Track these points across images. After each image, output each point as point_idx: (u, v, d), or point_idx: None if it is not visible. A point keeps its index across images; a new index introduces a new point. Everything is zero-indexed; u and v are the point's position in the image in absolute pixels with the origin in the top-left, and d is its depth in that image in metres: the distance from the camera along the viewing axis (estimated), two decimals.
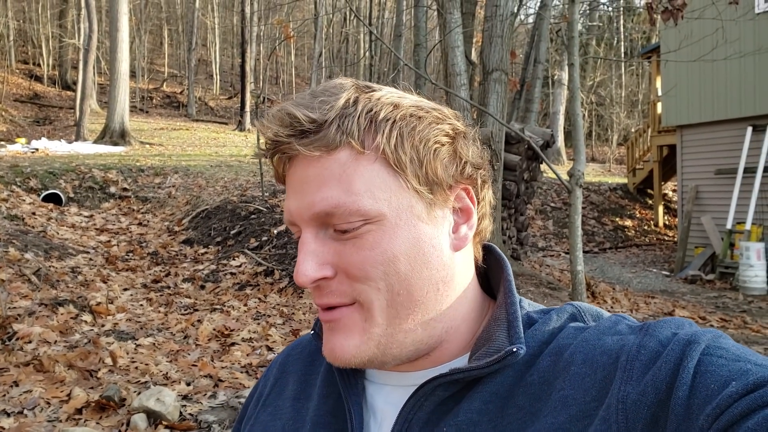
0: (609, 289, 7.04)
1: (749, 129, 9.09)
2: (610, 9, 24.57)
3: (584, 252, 11.03)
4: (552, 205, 13.04)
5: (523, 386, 0.53)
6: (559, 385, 0.51)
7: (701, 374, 0.45)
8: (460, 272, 0.60)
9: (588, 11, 21.10)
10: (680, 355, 0.47)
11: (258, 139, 9.39)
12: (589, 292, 5.68)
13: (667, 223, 13.93)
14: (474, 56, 6.64)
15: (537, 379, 0.53)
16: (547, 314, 0.60)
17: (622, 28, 25.23)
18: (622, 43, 26.22)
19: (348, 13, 26.38)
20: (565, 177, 4.10)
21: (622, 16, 25.64)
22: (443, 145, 0.57)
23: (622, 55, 24.61)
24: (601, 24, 25.38)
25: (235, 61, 32.54)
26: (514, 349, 0.54)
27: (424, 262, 0.56)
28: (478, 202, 0.61)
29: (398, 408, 0.58)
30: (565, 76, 17.98)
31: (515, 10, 5.16)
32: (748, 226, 8.68)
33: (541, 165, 7.58)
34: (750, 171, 9.00)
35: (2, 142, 14.54)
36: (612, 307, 5.88)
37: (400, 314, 0.56)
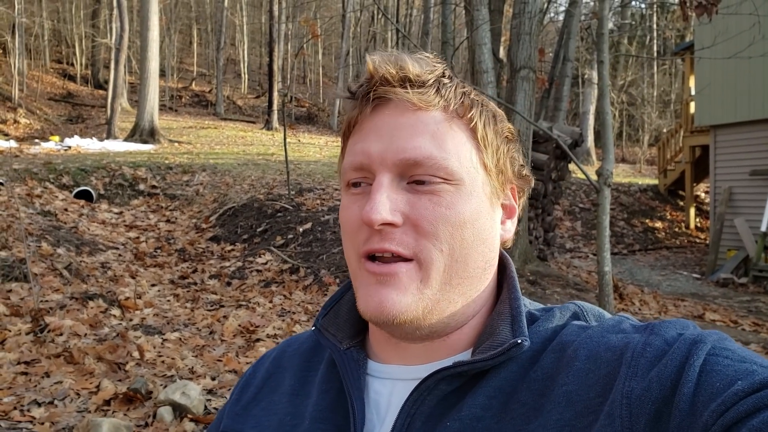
0: (637, 292, 6.90)
1: None
2: (643, 6, 24.08)
3: (613, 254, 10.84)
4: (581, 206, 12.85)
5: (526, 382, 0.54)
6: (562, 381, 0.52)
7: (707, 373, 0.45)
8: (496, 263, 0.62)
9: (620, 8, 20.73)
10: (686, 354, 0.47)
11: (285, 135, 9.45)
12: (616, 294, 5.58)
13: (698, 225, 13.59)
14: (502, 54, 6.56)
15: (540, 375, 0.53)
16: (550, 311, 0.61)
17: (655, 26, 24.70)
18: (655, 41, 25.67)
19: (375, 12, 26.38)
20: (593, 177, 4.02)
21: (655, 14, 25.11)
22: (510, 141, 0.63)
23: (655, 54, 24.10)
24: (633, 22, 24.90)
25: (263, 60, 32.84)
26: (519, 341, 0.54)
27: (483, 238, 0.58)
28: (519, 205, 0.65)
29: (399, 402, 0.57)
30: (595, 74, 17.68)
31: (544, 7, 5.08)
32: None
33: (569, 164, 7.46)
34: None
35: (36, 140, 14.94)
36: (640, 309, 5.76)
37: (452, 282, 0.57)
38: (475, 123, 0.58)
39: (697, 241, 12.75)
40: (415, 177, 0.56)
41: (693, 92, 11.32)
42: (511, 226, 0.64)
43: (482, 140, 0.59)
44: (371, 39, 29.95)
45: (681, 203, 14.14)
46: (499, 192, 0.61)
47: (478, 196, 0.58)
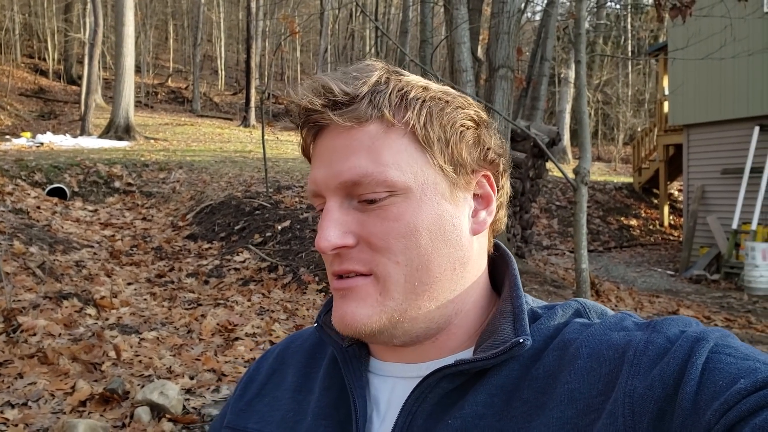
0: (613, 288, 7.01)
1: (756, 129, 9.04)
2: (618, 7, 24.45)
3: (589, 251, 10.98)
4: (557, 203, 13.01)
5: (528, 380, 0.53)
6: (564, 379, 0.51)
7: (709, 371, 0.45)
8: (476, 257, 0.61)
9: (596, 9, 21.01)
10: (689, 352, 0.47)
11: (263, 133, 9.39)
12: (593, 290, 5.67)
13: (672, 222, 13.88)
14: (480, 53, 6.61)
15: (542, 373, 0.53)
16: (552, 309, 0.60)
17: (629, 27, 25.11)
18: (630, 41, 26.10)
19: (354, 10, 26.30)
20: (570, 175, 4.08)
21: (629, 15, 25.52)
22: (468, 128, 0.59)
23: (629, 54, 24.49)
24: (608, 22, 25.26)
25: (240, 56, 32.51)
26: (521, 341, 0.54)
27: (445, 239, 0.57)
28: (498, 191, 0.63)
29: (400, 399, 0.57)
30: (571, 74, 17.90)
31: (522, 7, 5.12)
32: (753, 226, 8.64)
33: (546, 163, 7.54)
34: (756, 171, 8.95)
35: (7, 137, 14.58)
36: (616, 306, 5.86)
37: (416, 290, 0.56)
38: (413, 125, 0.56)
39: (671, 238, 13.02)
40: (362, 196, 0.56)
41: (667, 92, 11.54)
42: (487, 215, 0.61)
43: (424, 140, 0.57)
44: (349, 36, 29.87)
45: (655, 201, 14.42)
46: (463, 185, 0.59)
47: (431, 199, 0.56)
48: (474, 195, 0.61)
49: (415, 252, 0.55)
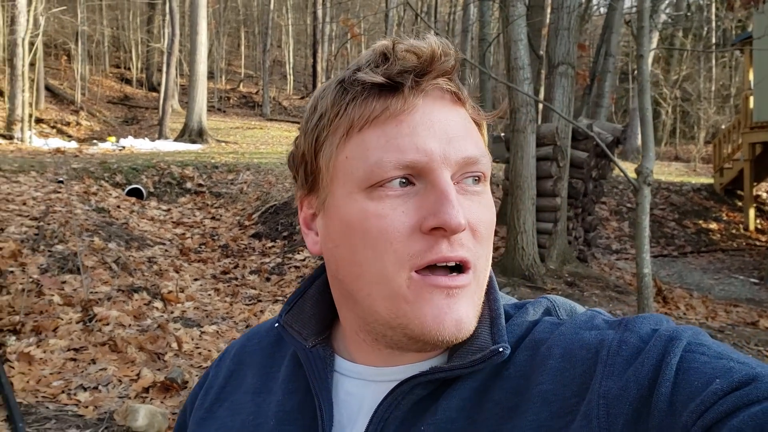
0: (685, 296, 6.64)
1: None
2: None
3: (662, 256, 10.45)
4: (628, 205, 12.46)
5: (499, 381, 0.52)
6: (536, 380, 0.50)
7: (684, 371, 0.44)
8: None
9: (674, 0, 19.94)
10: (662, 352, 0.46)
11: None
12: (659, 297, 5.39)
13: (759, 227, 12.93)
14: (542, 50, 6.47)
15: (513, 373, 0.52)
16: (522, 308, 0.59)
17: (713, 17, 23.66)
18: (714, 32, 24.59)
19: (420, 10, 26.30)
20: (632, 175, 3.91)
21: (714, 4, 24.04)
22: None
23: (713, 46, 23.05)
24: (689, 13, 23.92)
25: (307, 61, 33.30)
26: (500, 349, 0.52)
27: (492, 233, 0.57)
28: None
29: (372, 404, 0.55)
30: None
31: (582, 2, 4.97)
32: None
33: (610, 163, 7.26)
34: None
35: (95, 141, 15.68)
36: (685, 314, 5.55)
37: (482, 285, 0.55)
38: (480, 120, 0.57)
39: (757, 243, 12.13)
40: (469, 174, 0.53)
41: (752, 85, 10.80)
42: None
43: (484, 134, 0.57)
44: (415, 37, 29.84)
45: (739, 203, 13.49)
46: None
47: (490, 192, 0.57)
48: None
49: (492, 245, 0.55)
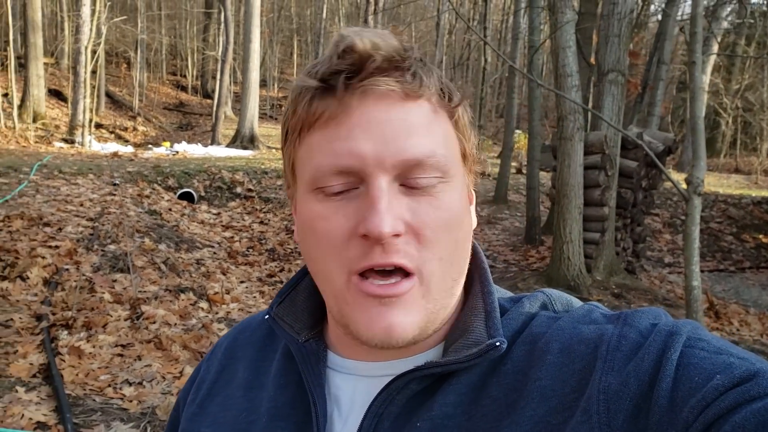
0: (740, 311, 6.32)
1: None
2: (763, 2, 22.07)
3: (719, 270, 9.99)
4: (682, 218, 11.97)
5: (496, 376, 0.51)
6: (534, 375, 0.50)
7: (684, 366, 0.44)
8: None
9: (737, 5, 19.12)
10: (662, 347, 0.46)
11: None
12: (711, 312, 5.15)
13: None
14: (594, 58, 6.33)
15: (511, 369, 0.51)
16: (519, 302, 0.57)
17: None
18: None
19: (470, 19, 26.22)
20: (682, 185, 3.77)
21: None
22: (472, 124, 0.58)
23: None
24: (752, 20, 22.88)
25: None
26: (497, 344, 0.51)
27: (468, 233, 0.55)
28: None
29: (365, 400, 0.54)
30: (705, 78, 16.45)
31: (635, 8, 4.83)
32: None
33: (663, 174, 7.01)
34: None
35: (150, 146, 16.32)
36: (738, 330, 5.28)
37: (447, 287, 0.53)
38: (457, 114, 0.54)
39: None
40: (414, 180, 0.50)
41: None
42: (473, 213, 0.59)
43: (463, 129, 0.54)
44: (466, 46, 29.80)
45: None
46: (470, 180, 0.58)
47: (462, 191, 0.54)
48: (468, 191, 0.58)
49: (453, 246, 0.52)
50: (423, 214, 0.50)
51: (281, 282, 6.38)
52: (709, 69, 15.64)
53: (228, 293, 5.49)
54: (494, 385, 0.51)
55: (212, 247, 7.52)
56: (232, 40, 17.35)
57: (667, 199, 12.37)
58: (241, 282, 6.16)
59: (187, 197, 9.71)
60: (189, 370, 3.57)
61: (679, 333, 0.46)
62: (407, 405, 0.53)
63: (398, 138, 0.49)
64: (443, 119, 0.53)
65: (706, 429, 0.40)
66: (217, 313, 4.81)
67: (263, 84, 23.10)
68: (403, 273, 0.50)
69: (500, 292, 0.60)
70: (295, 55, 34.90)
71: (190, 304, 4.89)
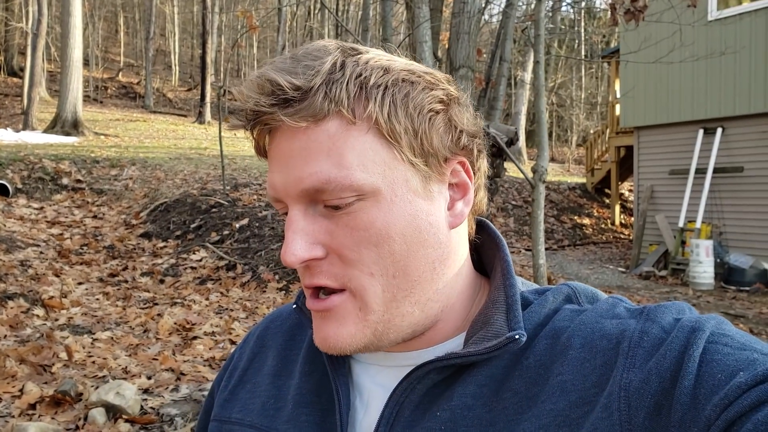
0: None
1: (700, 131, 9.45)
2: (573, 10, 25.14)
3: (545, 249, 11.26)
4: (513, 203, 13.26)
5: (518, 370, 0.52)
6: (557, 370, 0.50)
7: (707, 363, 0.44)
8: (456, 250, 0.57)
9: (551, 13, 21.54)
10: (685, 343, 0.46)
11: (220, 130, 9.21)
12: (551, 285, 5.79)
13: (623, 221, 14.35)
14: (440, 53, 6.67)
15: (533, 363, 0.51)
16: (543, 295, 0.58)
17: (582, 31, 25.88)
18: (583, 45, 26.89)
19: (312, 7, 26.11)
20: (529, 174, 4.16)
21: (583, 20, 26.28)
22: (438, 113, 0.53)
23: (585, 58, 25.25)
24: (563, 26, 25.94)
25: (195, 51, 31.82)
26: (516, 337, 0.51)
27: (421, 241, 0.52)
28: (474, 174, 0.57)
29: (386, 389, 0.55)
30: (527, 76, 18.29)
31: (482, 7, 5.20)
32: (698, 224, 9.03)
33: (504, 162, 7.68)
34: (701, 171, 9.36)
35: None
36: None
37: (396, 298, 0.52)
38: (376, 118, 0.50)
39: (622, 236, 13.46)
40: (327, 202, 0.50)
41: (618, 95, 11.93)
42: (465, 206, 0.56)
43: (389, 134, 0.50)
44: (308, 34, 29.63)
45: (607, 201, 14.89)
46: (436, 177, 0.54)
47: (402, 199, 0.51)
48: (449, 185, 0.56)
49: (390, 260, 0.51)
50: (340, 236, 0.51)
51: (126, 281, 5.83)
52: (529, 68, 17.46)
53: (66, 297, 4.88)
54: (516, 379, 0.51)
55: (38, 246, 6.63)
56: (45, 11, 15.30)
57: (500, 185, 13.59)
58: (80, 284, 5.51)
59: (0, 190, 8.41)
60: (31, 387, 3.12)
61: (702, 329, 0.46)
62: (427, 394, 0.54)
63: (296, 167, 0.51)
64: (358, 132, 0.50)
65: (728, 427, 0.40)
66: (57, 319, 4.25)
67: (85, 63, 20.70)
68: (337, 292, 0.53)
69: (525, 285, 0.61)
70: (121, 33, 31.83)
71: (22, 312, 4.27)
